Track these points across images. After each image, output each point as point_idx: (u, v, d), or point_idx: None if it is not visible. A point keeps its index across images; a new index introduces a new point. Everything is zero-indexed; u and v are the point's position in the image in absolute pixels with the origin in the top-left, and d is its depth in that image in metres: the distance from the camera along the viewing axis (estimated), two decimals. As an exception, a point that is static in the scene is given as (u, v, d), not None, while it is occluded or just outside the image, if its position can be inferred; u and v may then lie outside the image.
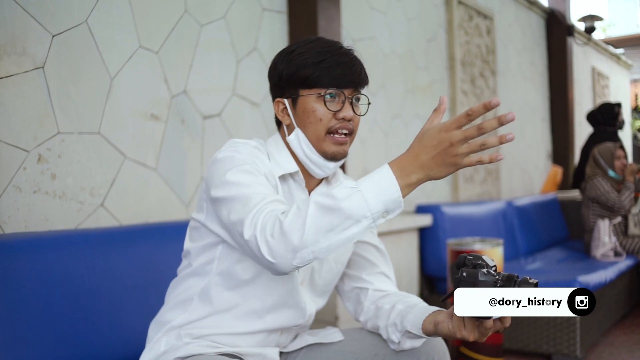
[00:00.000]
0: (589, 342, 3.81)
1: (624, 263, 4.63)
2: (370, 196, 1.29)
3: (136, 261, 2.19)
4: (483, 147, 1.28)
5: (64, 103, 2.37)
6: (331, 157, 1.60)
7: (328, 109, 1.56)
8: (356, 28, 4.16)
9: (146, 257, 2.23)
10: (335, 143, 1.58)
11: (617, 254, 4.81)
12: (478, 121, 1.28)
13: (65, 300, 1.92)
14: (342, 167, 3.41)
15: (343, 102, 1.58)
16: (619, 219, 4.91)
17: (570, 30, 7.76)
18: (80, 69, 2.43)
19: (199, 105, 2.98)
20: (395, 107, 4.57)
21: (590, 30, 7.99)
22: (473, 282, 1.38)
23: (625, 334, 4.26)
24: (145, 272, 2.19)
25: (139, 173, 2.68)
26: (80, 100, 2.43)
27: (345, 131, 1.58)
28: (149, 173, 2.72)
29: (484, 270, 1.39)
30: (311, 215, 1.29)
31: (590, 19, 7.90)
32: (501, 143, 1.28)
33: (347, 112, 1.57)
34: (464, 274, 1.40)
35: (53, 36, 2.33)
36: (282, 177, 1.63)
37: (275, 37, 3.42)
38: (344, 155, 1.61)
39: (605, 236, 4.79)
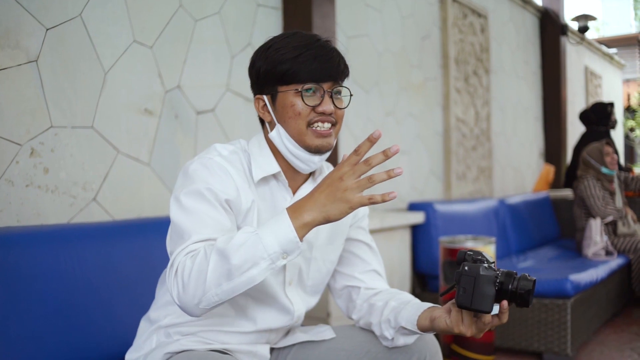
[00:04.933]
0: (579, 341, 3.82)
1: (615, 262, 4.66)
2: (267, 239, 1.34)
3: (129, 256, 2.19)
4: (372, 181, 1.34)
5: (57, 97, 2.36)
6: (315, 150, 1.56)
7: (306, 104, 1.53)
8: (350, 25, 4.16)
9: (139, 252, 2.23)
10: (318, 136, 1.55)
11: (608, 253, 4.83)
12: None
13: (57, 294, 1.92)
14: (335, 164, 3.38)
15: (322, 96, 1.54)
16: (610, 218, 4.93)
17: (563, 29, 7.78)
18: (74, 63, 2.42)
19: (193, 100, 2.98)
20: (388, 104, 4.57)
21: (583, 29, 8.02)
22: (474, 277, 1.40)
23: (615, 332, 4.28)
24: (138, 267, 2.19)
25: (132, 168, 2.67)
26: (74, 94, 2.42)
27: (327, 125, 1.56)
28: (142, 168, 2.71)
29: (485, 265, 1.41)
30: (213, 261, 1.33)
31: (584, 18, 7.93)
32: (390, 177, 1.35)
33: (326, 106, 1.53)
34: (466, 267, 1.42)
35: (47, 30, 2.32)
36: (264, 179, 1.61)
37: (269, 33, 3.39)
38: (328, 147, 1.58)
39: (596, 235, 4.82)
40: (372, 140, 1.35)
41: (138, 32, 2.69)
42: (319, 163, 1.62)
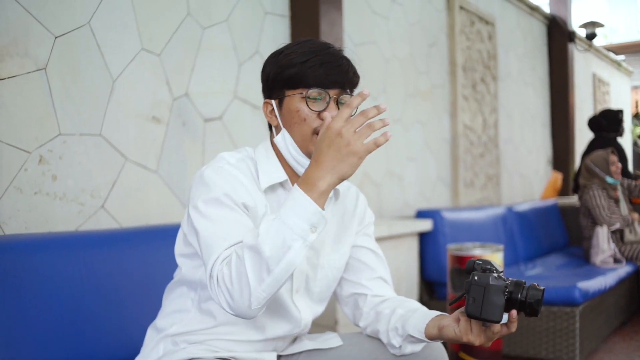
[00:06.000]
0: (588, 349, 3.80)
1: (624, 270, 4.64)
2: (290, 220, 1.33)
3: (136, 263, 2.19)
4: (372, 128, 1.34)
5: (66, 104, 2.37)
6: None
7: (311, 109, 1.52)
8: (358, 32, 4.16)
9: (146, 260, 2.23)
10: None
11: (616, 260, 4.81)
12: None
13: (65, 302, 1.92)
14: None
15: (328, 103, 1.53)
16: (617, 226, 4.91)
17: (571, 36, 7.78)
18: (82, 71, 2.43)
19: (201, 108, 2.99)
20: (396, 111, 4.57)
21: (591, 36, 8.01)
22: (484, 286, 1.39)
23: (624, 340, 4.25)
24: (145, 275, 2.19)
25: (140, 175, 2.68)
26: (82, 101, 2.43)
27: None
28: (149, 175, 2.72)
29: (495, 274, 1.41)
30: (248, 260, 1.33)
31: (592, 25, 7.92)
32: (379, 112, 1.35)
33: (331, 112, 1.52)
34: (476, 277, 1.41)
35: (55, 38, 2.33)
36: (271, 187, 1.60)
37: (277, 41, 3.42)
38: None
39: (604, 243, 4.80)
40: (362, 97, 1.35)
41: (146, 40, 2.70)
42: None
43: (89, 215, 2.46)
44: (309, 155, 1.55)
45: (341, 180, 1.36)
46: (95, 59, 2.49)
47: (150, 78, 2.73)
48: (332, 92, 1.54)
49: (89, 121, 2.46)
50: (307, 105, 1.53)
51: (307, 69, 1.52)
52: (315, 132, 1.53)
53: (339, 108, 1.54)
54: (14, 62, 2.19)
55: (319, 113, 1.53)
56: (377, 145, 1.33)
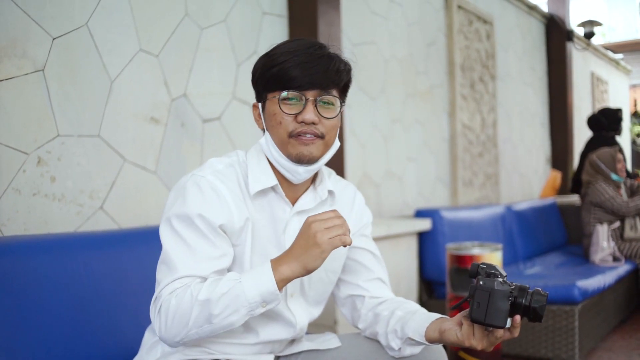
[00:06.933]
0: (587, 347, 3.80)
1: (623, 268, 4.64)
2: (248, 289, 1.39)
3: (136, 264, 2.19)
4: (342, 228, 1.41)
5: (64, 106, 2.37)
6: (296, 159, 1.52)
7: (284, 111, 1.49)
8: (356, 32, 4.16)
9: (146, 261, 2.22)
10: (300, 143, 1.50)
11: (615, 258, 4.81)
12: None
13: (64, 303, 1.92)
14: (342, 172, 3.40)
15: (305, 105, 1.49)
16: (617, 224, 4.91)
17: (569, 35, 7.78)
18: (80, 72, 2.43)
19: (199, 108, 2.99)
20: (395, 111, 4.57)
21: (589, 35, 8.00)
22: (489, 291, 1.38)
23: (623, 338, 4.25)
24: (144, 276, 2.18)
25: (139, 176, 2.68)
26: (80, 103, 2.43)
27: (309, 135, 1.51)
28: (148, 176, 2.72)
29: (500, 279, 1.40)
30: (196, 309, 1.39)
31: (590, 24, 7.91)
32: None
33: (306, 114, 1.48)
34: (481, 282, 1.40)
35: (53, 39, 2.33)
36: (262, 192, 1.58)
37: (275, 41, 3.37)
38: (309, 157, 1.52)
39: (603, 241, 4.80)
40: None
41: (144, 40, 2.70)
42: (305, 175, 1.56)
43: (88, 217, 2.46)
44: (290, 158, 1.53)
45: (306, 270, 1.41)
46: (94, 60, 2.49)
47: (148, 79, 2.73)
48: (309, 94, 1.50)
49: (87, 122, 2.46)
50: (281, 108, 1.50)
51: (285, 71, 1.49)
52: (291, 134, 1.50)
53: (317, 109, 1.51)
54: (12, 63, 2.19)
55: (296, 116, 1.50)
56: (342, 242, 1.39)
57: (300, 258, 1.40)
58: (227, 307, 1.38)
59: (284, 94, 1.49)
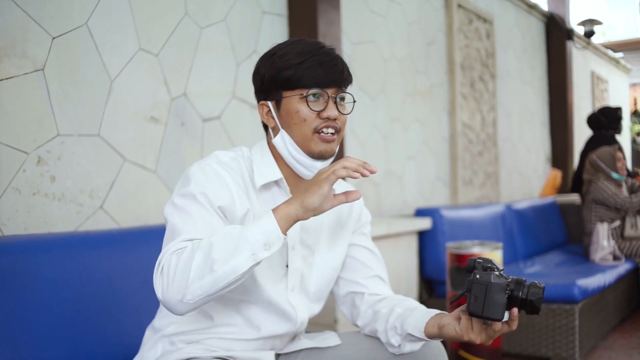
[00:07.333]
0: (587, 346, 3.81)
1: (623, 267, 4.64)
2: (249, 230, 1.36)
3: (135, 264, 2.19)
4: (344, 167, 1.41)
5: (64, 105, 2.37)
6: (318, 156, 1.57)
7: (311, 109, 1.55)
8: (356, 32, 4.16)
9: (146, 260, 2.22)
10: (323, 141, 1.56)
11: (615, 257, 4.81)
12: None
13: (64, 302, 1.92)
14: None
15: (327, 102, 1.56)
16: (617, 223, 4.91)
17: (569, 34, 7.77)
18: (80, 71, 2.43)
19: (199, 108, 2.99)
20: (394, 110, 4.57)
21: (589, 34, 8.00)
22: (486, 285, 1.40)
23: (624, 337, 4.26)
24: (144, 275, 2.18)
25: (139, 175, 2.68)
26: (80, 102, 2.43)
27: (331, 130, 1.57)
28: (148, 175, 2.72)
29: (496, 273, 1.42)
30: (197, 256, 1.34)
31: (590, 23, 7.91)
32: (362, 168, 1.41)
33: (331, 111, 1.55)
34: (477, 276, 1.42)
35: (53, 38, 2.33)
36: (266, 186, 1.62)
37: (275, 41, 3.39)
38: (331, 153, 1.59)
39: (603, 240, 4.80)
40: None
41: (144, 40, 2.70)
42: (320, 168, 1.61)
43: (88, 216, 2.46)
44: (308, 153, 1.57)
45: (304, 208, 1.39)
46: (93, 59, 2.49)
47: (148, 78, 2.73)
48: (330, 91, 1.57)
49: (87, 122, 2.46)
50: (308, 105, 1.55)
51: (304, 70, 1.54)
52: (316, 131, 1.56)
53: (337, 106, 1.57)
54: (12, 63, 2.20)
55: (319, 113, 1.55)
56: (335, 174, 1.39)
57: (301, 197, 1.39)
58: (227, 251, 1.33)
59: (311, 91, 1.55)
